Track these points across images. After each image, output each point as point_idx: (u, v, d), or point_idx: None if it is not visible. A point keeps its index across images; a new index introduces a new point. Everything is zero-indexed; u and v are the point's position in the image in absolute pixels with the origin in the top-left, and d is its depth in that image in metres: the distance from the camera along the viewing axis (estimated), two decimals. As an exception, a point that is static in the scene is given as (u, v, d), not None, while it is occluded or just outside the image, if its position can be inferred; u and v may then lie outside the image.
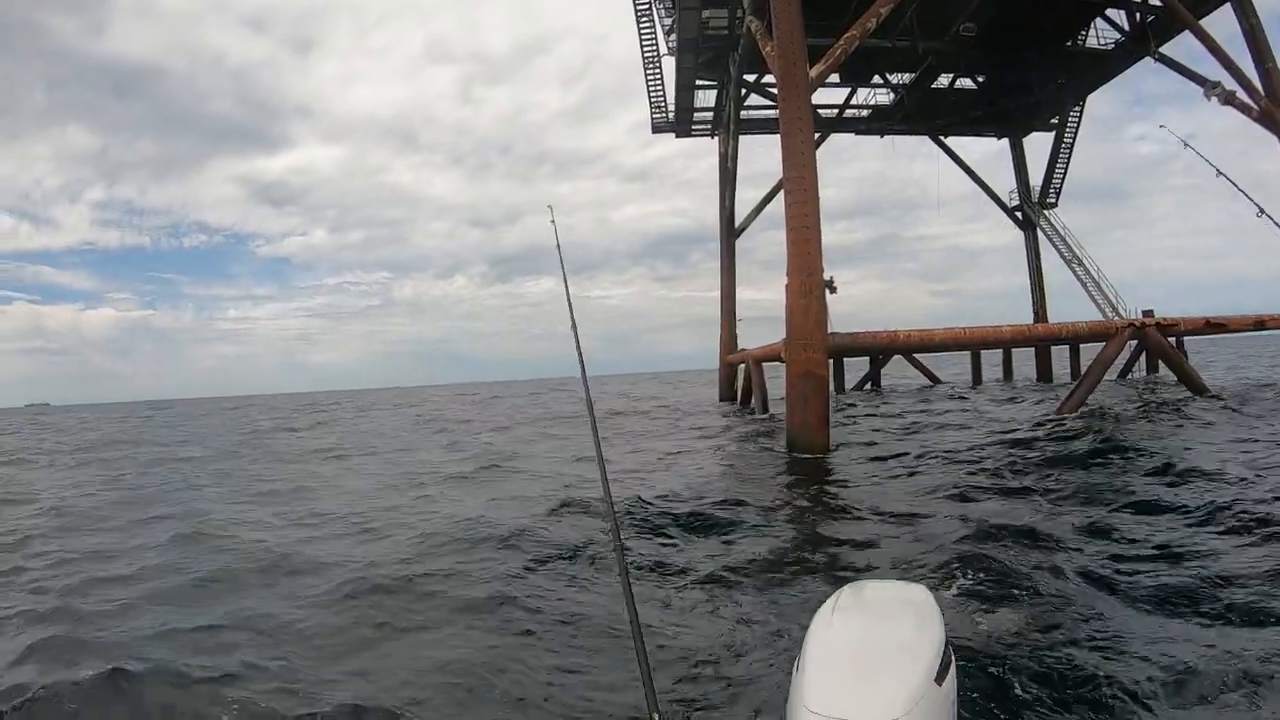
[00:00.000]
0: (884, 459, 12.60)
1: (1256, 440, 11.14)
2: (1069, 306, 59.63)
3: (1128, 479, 8.74)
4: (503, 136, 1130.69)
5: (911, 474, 11.00)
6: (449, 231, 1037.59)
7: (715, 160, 30.23)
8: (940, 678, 1.57)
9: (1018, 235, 33.38)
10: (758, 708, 3.37)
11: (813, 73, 15.89)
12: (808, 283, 14.62)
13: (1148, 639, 4.00)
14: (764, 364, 21.89)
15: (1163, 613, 4.42)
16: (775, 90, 24.34)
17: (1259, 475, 8.20)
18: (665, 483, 10.92)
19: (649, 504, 8.79)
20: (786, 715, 1.58)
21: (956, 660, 1.69)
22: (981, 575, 5.07)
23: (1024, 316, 32.18)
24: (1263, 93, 19.92)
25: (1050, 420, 15.56)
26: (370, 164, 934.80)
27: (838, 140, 29.90)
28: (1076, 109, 30.63)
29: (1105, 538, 6.21)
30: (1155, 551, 5.68)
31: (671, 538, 7.53)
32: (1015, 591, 4.77)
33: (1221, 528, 6.17)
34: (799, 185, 15.11)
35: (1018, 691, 3.33)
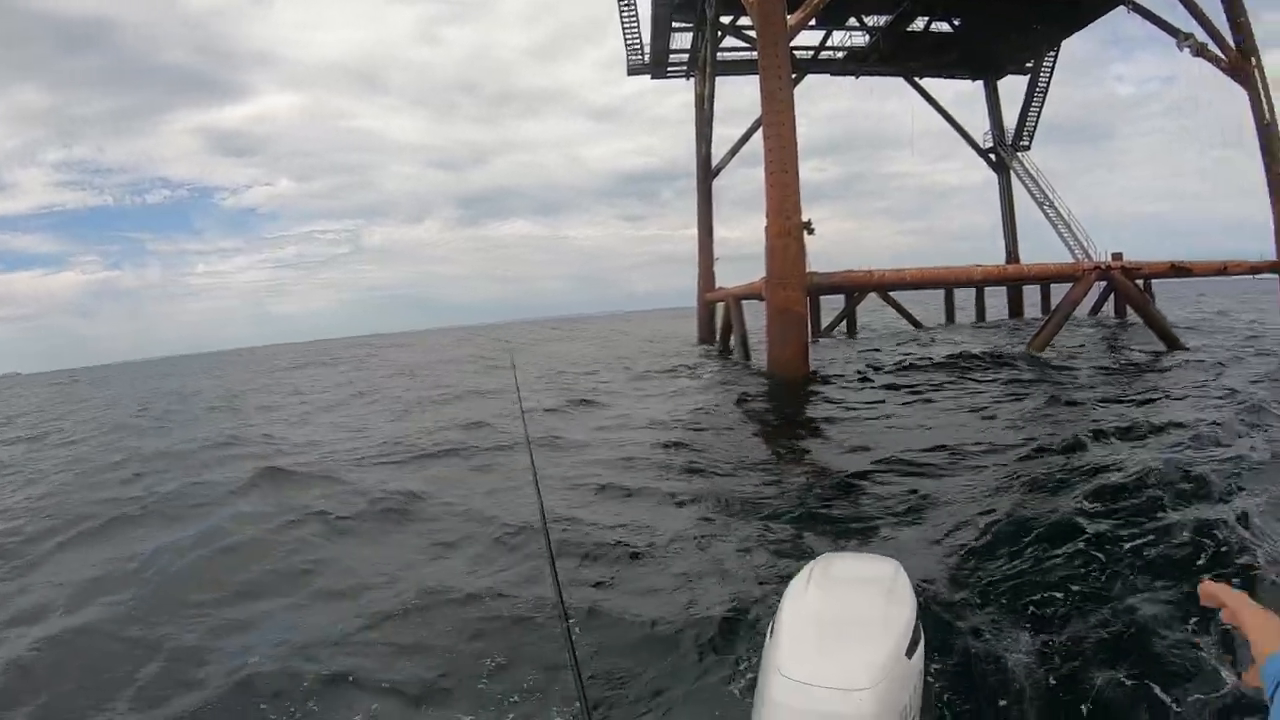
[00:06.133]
0: (858, 391, 14.23)
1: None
2: (1041, 246, 61.62)
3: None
4: (468, 77, 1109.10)
5: (881, 405, 12.52)
6: (416, 175, 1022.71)
7: (685, 97, 31.44)
8: (910, 651, 1.69)
9: (989, 174, 35.25)
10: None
11: (791, 20, 17.10)
12: (786, 225, 16.08)
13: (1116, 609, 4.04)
14: (743, 302, 23.23)
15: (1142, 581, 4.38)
16: (752, 33, 25.49)
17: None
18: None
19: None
20: (760, 678, 1.71)
21: (926, 636, 1.81)
22: (949, 540, 5.23)
23: (996, 255, 34.16)
24: (1233, 45, 21.40)
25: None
26: (333, 109, 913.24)
27: (810, 78, 30.91)
28: (1051, 53, 32.10)
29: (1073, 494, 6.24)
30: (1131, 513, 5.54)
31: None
32: (981, 560, 4.95)
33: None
34: (778, 132, 16.44)
35: (985, 667, 3.55)
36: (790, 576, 1.97)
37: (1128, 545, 4.84)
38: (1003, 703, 3.34)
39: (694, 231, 31.78)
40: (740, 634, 4.09)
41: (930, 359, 18.20)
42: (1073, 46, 31.83)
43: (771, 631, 1.77)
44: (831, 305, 33.66)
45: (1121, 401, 11.17)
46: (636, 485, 8.02)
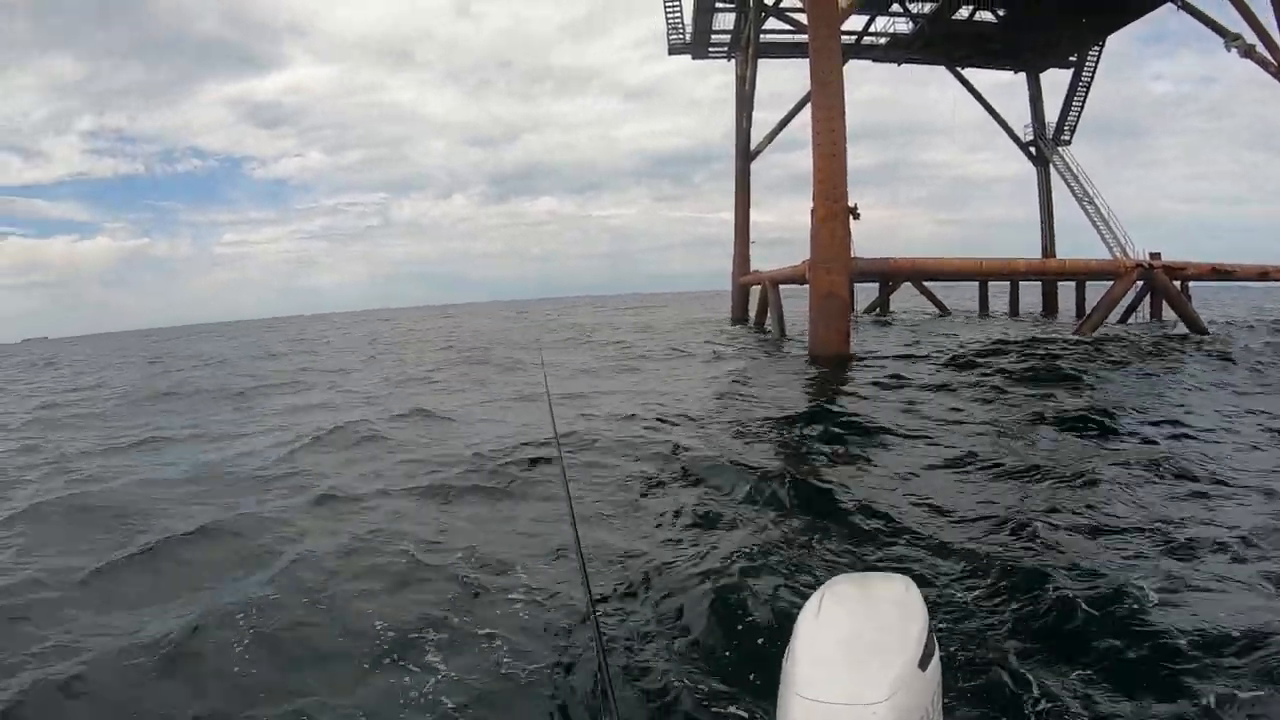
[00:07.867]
0: (899, 376, 14.35)
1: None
2: (1077, 243, 61.19)
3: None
4: (502, 52, 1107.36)
5: (924, 387, 12.63)
6: (448, 151, 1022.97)
7: (720, 79, 32.45)
8: (924, 664, 1.76)
9: (1025, 166, 35.21)
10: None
11: (843, 1, 17.16)
12: (834, 208, 16.22)
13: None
14: (780, 286, 23.36)
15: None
16: (796, 15, 25.56)
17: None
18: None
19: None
20: (779, 705, 1.74)
21: (940, 648, 1.87)
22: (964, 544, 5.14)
23: (1030, 249, 34.15)
24: (1282, 47, 21.22)
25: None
26: (365, 82, 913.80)
27: (847, 64, 30.92)
28: (1096, 48, 31.89)
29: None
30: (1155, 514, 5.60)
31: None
32: (995, 562, 4.78)
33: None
34: (827, 114, 16.54)
35: (1001, 677, 3.54)
36: (804, 600, 1.99)
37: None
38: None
39: (727, 215, 32.00)
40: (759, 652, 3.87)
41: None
42: (1112, 43, 31.40)
43: (787, 656, 1.78)
44: (862, 291, 33.69)
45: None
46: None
